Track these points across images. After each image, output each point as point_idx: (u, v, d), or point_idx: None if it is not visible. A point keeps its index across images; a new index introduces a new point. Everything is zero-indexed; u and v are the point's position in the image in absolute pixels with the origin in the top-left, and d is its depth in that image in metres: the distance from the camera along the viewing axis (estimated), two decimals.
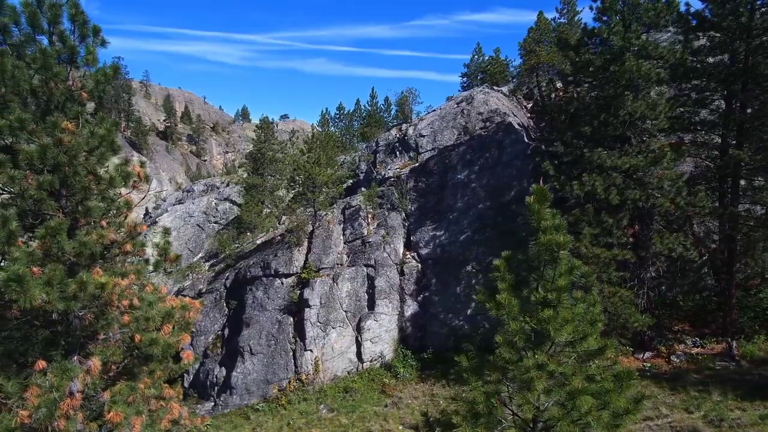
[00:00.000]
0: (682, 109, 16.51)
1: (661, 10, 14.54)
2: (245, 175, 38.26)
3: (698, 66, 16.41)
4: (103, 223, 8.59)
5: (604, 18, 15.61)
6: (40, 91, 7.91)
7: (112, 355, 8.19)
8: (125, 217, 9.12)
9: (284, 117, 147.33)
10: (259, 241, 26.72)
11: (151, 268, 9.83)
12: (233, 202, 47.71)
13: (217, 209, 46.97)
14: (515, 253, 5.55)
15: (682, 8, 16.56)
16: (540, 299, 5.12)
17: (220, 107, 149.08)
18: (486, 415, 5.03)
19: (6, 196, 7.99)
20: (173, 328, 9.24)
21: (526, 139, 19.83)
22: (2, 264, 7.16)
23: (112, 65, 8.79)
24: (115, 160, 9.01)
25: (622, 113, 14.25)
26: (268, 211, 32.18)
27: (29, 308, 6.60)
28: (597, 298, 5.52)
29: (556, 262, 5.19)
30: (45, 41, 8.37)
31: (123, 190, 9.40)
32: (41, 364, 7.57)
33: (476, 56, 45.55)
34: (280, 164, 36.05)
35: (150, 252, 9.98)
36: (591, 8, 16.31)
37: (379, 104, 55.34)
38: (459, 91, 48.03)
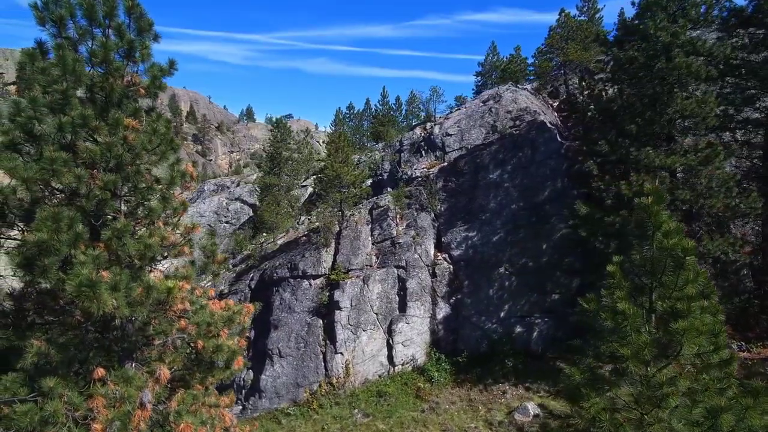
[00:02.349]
0: (722, 107, 16.11)
1: (710, 5, 14.13)
2: (261, 175, 37.95)
3: (740, 63, 16.01)
4: (160, 223, 8.26)
5: (648, 13, 15.21)
6: (99, 87, 7.57)
7: (173, 362, 7.85)
8: (179, 218, 8.80)
9: (288, 116, 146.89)
10: (280, 242, 26.38)
11: (197, 270, 9.50)
12: (244, 202, 47.38)
13: (228, 209, 46.61)
14: (627, 258, 5.19)
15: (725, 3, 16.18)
16: (667, 308, 4.75)
17: (224, 107, 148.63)
18: None
19: (61, 196, 7.66)
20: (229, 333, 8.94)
21: (558, 138, 19.44)
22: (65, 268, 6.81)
23: (169, 60, 8.45)
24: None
25: (671, 111, 13.85)
26: (286, 211, 31.85)
27: (101, 315, 6.23)
28: (719, 307, 5.16)
29: (681, 268, 4.83)
30: (97, 35, 8.07)
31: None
32: (100, 371, 7.23)
33: (491, 55, 45.20)
34: (296, 164, 35.75)
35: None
36: (633, 4, 15.94)
37: (390, 103, 54.90)
38: (472, 90, 47.65)
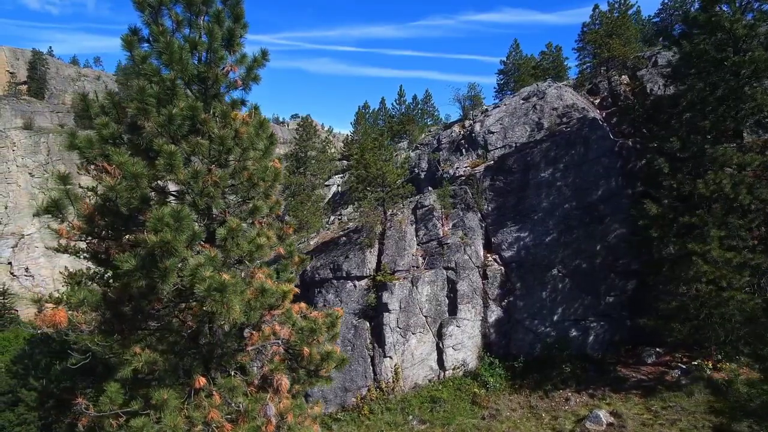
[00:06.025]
0: None
1: None
2: (285, 173, 37.49)
3: None
4: (258, 223, 7.79)
5: (717, 6, 14.66)
6: (199, 78, 7.09)
7: (276, 369, 7.36)
8: (275, 217, 8.33)
9: (295, 116, 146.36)
10: (313, 242, 25.89)
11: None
12: None
13: None
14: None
15: None
16: None
17: None
18: None
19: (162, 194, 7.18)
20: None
21: (611, 136, 18.88)
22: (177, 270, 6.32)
23: (261, 50, 7.96)
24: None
25: (747, 106, 13.30)
26: (311, 210, 31.34)
27: (232, 323, 5.75)
28: None
29: None
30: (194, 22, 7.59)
31: None
32: (201, 380, 6.77)
33: (513, 53, 44.63)
34: (320, 163, 35.29)
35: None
36: None
37: (407, 103, 54.40)
38: (495, 89, 47.09)
